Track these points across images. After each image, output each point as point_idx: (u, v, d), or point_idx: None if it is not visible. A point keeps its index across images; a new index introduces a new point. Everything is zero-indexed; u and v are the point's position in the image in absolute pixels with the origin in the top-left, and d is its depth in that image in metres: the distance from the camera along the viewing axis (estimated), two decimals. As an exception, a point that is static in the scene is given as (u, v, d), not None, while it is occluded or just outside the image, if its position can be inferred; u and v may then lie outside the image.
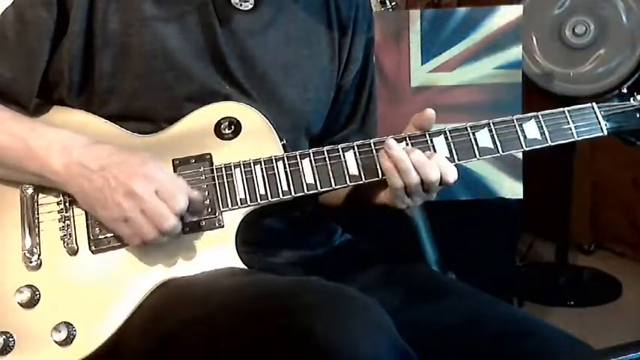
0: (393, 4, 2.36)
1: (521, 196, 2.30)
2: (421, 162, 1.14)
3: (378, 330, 0.93)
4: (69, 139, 1.14)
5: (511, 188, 2.30)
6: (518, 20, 2.24)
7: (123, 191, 1.08)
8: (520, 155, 2.27)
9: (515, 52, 2.25)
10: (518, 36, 2.25)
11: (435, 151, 1.18)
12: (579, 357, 1.06)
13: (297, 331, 0.92)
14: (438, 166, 1.15)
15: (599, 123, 1.23)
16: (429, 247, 2.16)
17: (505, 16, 2.24)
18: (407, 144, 1.18)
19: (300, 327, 0.92)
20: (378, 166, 1.17)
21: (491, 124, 1.20)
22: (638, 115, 1.25)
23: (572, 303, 2.86)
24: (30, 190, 1.16)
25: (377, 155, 1.18)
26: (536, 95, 2.69)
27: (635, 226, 3.18)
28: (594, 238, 3.35)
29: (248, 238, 1.18)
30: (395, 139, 1.17)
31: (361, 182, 1.18)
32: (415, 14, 2.25)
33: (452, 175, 1.16)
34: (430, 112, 1.19)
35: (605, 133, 1.24)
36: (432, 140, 1.19)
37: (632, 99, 1.26)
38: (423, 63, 2.27)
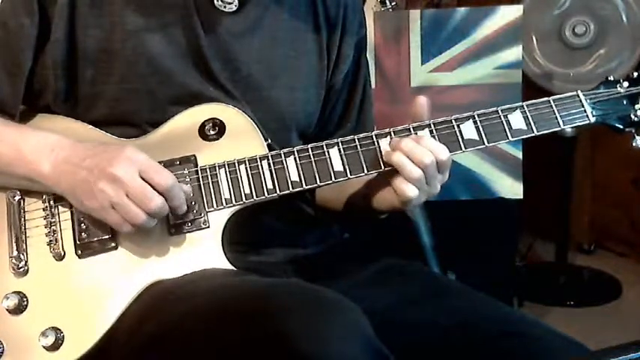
0: (393, 4, 2.36)
1: (521, 196, 2.30)
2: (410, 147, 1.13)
3: (353, 333, 0.93)
4: (56, 141, 1.14)
5: (511, 188, 2.30)
6: (518, 20, 2.24)
7: (106, 177, 1.08)
8: (520, 155, 2.28)
9: (515, 52, 2.25)
10: (518, 36, 2.25)
11: None
12: (575, 358, 1.06)
13: (272, 333, 0.92)
14: (429, 148, 1.13)
15: (586, 111, 1.20)
16: (429, 247, 2.16)
17: (505, 16, 2.24)
18: (391, 139, 1.17)
19: (274, 330, 0.92)
20: (363, 162, 1.17)
21: (475, 116, 1.18)
22: (625, 102, 1.23)
23: (572, 303, 2.86)
24: (17, 197, 1.17)
25: (361, 151, 1.17)
26: (536, 95, 2.69)
27: (635, 226, 3.18)
28: (594, 238, 3.35)
29: (239, 237, 1.18)
30: (379, 134, 1.17)
31: (347, 178, 1.17)
32: (415, 14, 2.26)
33: (444, 154, 1.14)
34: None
35: (592, 120, 1.21)
36: (416, 134, 1.17)
37: (618, 85, 1.23)
38: (423, 63, 2.27)
